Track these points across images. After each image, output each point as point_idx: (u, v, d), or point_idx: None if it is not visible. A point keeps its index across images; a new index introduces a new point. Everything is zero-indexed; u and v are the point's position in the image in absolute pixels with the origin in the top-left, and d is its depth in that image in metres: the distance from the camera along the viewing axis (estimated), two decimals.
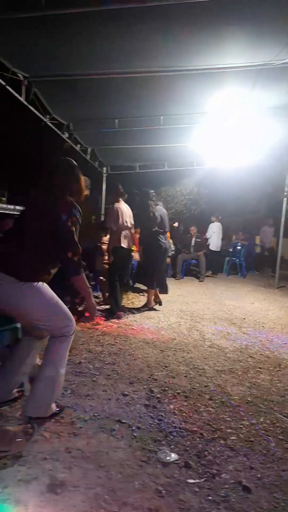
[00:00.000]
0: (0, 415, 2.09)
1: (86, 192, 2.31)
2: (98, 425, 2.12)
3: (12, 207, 7.31)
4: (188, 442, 2.01)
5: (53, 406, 2.14)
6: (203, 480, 1.73)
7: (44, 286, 2.04)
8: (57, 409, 2.18)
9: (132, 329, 4.15)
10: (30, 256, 2.00)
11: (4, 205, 7.37)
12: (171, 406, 2.39)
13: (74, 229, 2.05)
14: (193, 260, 8.79)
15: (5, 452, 1.73)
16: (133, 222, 4.93)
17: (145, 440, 2.00)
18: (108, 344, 3.55)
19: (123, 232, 4.73)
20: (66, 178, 2.18)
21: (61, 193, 2.10)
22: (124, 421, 2.17)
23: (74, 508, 1.51)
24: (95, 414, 2.23)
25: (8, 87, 4.08)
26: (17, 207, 7.18)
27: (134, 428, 2.11)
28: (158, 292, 5.32)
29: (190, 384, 2.75)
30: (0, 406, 2.17)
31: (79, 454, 1.85)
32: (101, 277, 5.37)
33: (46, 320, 2.03)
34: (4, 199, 8.19)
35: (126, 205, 4.96)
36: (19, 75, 4.19)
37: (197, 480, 1.73)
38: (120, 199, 4.85)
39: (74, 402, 2.36)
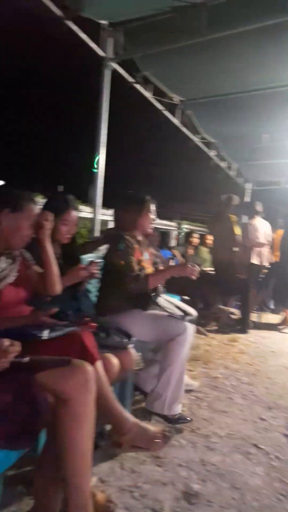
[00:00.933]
0: (150, 414, 2.24)
1: (150, 226, 2.44)
2: (233, 444, 2.08)
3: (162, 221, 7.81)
4: None
5: (175, 407, 2.19)
6: None
7: (130, 313, 2.21)
8: (183, 417, 2.24)
9: (271, 351, 3.94)
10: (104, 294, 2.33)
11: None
12: None
13: (123, 262, 2.18)
14: None
15: (145, 450, 1.83)
16: (270, 240, 4.77)
17: (285, 472, 1.87)
18: (245, 363, 3.44)
19: (255, 248, 4.63)
20: (121, 214, 2.40)
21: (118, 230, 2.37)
22: (261, 446, 2.07)
23: None
24: (230, 433, 2.19)
25: (165, 112, 4.42)
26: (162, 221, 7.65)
27: (272, 456, 1.99)
28: None
29: None
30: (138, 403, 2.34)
31: (213, 469, 1.85)
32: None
33: (155, 337, 2.21)
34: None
35: (264, 221, 4.84)
36: (175, 99, 4.50)
37: None
38: (256, 215, 4.79)
39: (209, 415, 2.37)
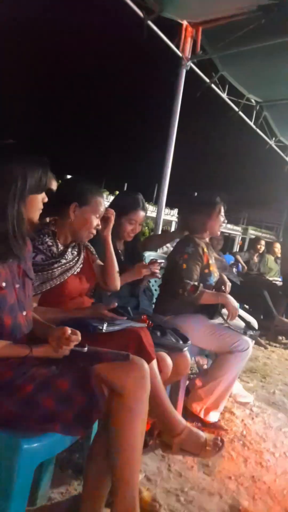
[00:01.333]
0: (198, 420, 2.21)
1: (219, 229, 2.39)
2: None
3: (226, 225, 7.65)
4: None
5: (213, 415, 2.16)
6: None
7: (192, 316, 2.19)
8: (218, 426, 2.19)
9: None
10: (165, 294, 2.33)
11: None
12: None
13: (185, 266, 2.15)
14: None
15: (194, 455, 1.80)
16: None
17: None
18: None
19: None
20: (190, 215, 2.37)
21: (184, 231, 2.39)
22: None
23: None
24: (286, 453, 2.07)
25: (240, 113, 4.31)
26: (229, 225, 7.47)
27: None
28: None
29: None
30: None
31: (265, 488, 1.75)
32: None
33: (215, 347, 2.17)
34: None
35: None
36: (252, 100, 4.37)
37: None
38: None
39: (264, 432, 2.26)
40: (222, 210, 2.37)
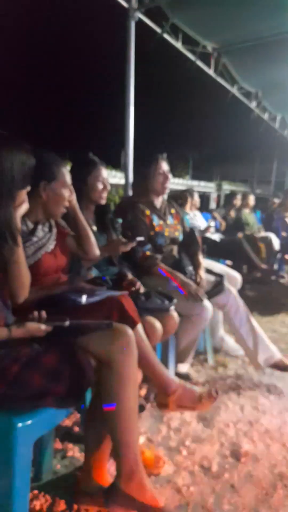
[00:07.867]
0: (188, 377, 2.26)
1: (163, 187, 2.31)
2: (283, 406, 2.04)
3: (195, 183, 7.56)
4: None
5: (181, 366, 2.26)
6: None
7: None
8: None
9: None
10: None
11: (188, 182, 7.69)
12: None
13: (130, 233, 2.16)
14: None
15: (191, 410, 1.84)
16: None
17: None
18: None
19: None
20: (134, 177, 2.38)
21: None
22: None
23: (257, 478, 1.51)
24: (280, 395, 2.15)
25: (198, 62, 4.14)
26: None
27: None
28: None
29: None
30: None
31: (262, 430, 1.82)
32: None
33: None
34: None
35: None
36: (209, 48, 4.19)
37: None
38: None
39: (258, 379, 2.34)
40: (163, 167, 2.32)
